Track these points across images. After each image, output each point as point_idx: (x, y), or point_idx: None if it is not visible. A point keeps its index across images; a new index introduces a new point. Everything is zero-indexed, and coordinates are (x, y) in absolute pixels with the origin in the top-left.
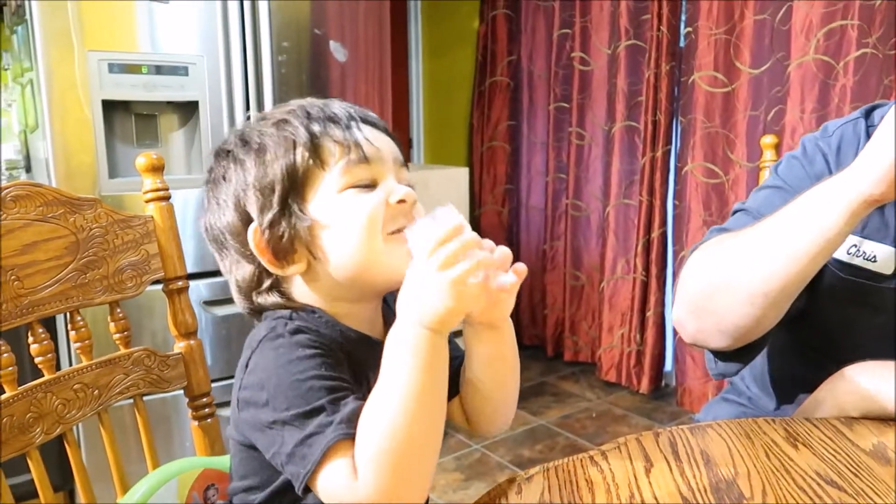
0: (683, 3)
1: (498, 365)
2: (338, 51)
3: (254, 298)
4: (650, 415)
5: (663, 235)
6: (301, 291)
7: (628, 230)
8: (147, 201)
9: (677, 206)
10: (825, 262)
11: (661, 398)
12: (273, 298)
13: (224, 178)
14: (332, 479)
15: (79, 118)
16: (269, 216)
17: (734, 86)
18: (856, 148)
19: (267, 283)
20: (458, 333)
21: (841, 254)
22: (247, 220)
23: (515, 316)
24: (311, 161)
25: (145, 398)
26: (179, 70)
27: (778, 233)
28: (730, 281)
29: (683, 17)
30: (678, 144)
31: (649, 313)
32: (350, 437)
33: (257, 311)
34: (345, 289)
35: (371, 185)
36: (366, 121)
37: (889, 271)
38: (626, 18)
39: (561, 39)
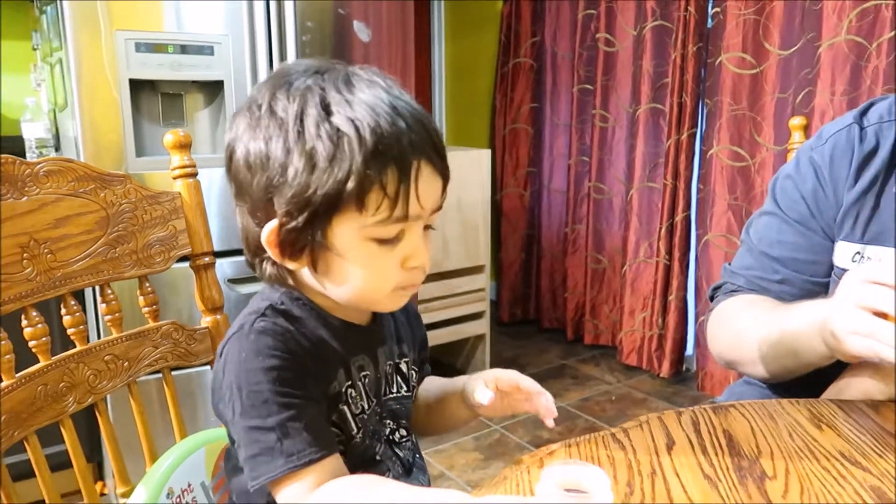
0: None
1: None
2: (361, 31)
3: (254, 261)
4: (671, 398)
5: (687, 219)
6: (297, 274)
7: (651, 213)
8: (175, 178)
9: (701, 190)
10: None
11: (682, 382)
12: (271, 269)
13: (266, 141)
14: (285, 497)
15: (107, 97)
16: (290, 225)
17: (762, 67)
18: (849, 157)
19: (264, 251)
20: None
21: (846, 262)
22: (268, 205)
23: (536, 298)
24: (353, 199)
25: (172, 373)
26: (205, 49)
27: (777, 353)
28: (745, 363)
29: None
30: (704, 127)
31: (671, 297)
32: (295, 468)
33: (254, 267)
34: (328, 293)
35: (396, 239)
36: (430, 155)
37: None
38: None
39: (586, 20)
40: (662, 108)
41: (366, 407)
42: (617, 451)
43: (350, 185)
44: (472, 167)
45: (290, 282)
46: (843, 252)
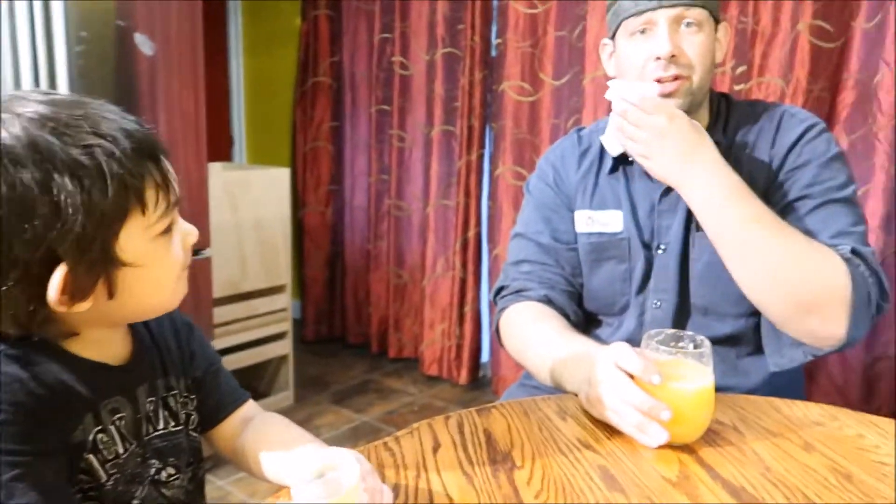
0: (494, 15)
1: None
2: (144, 44)
3: (29, 326)
4: (469, 405)
5: (478, 235)
6: (68, 318)
7: (447, 230)
8: None
9: (491, 207)
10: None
11: (479, 388)
12: (50, 328)
13: (10, 187)
14: None
15: None
16: (86, 260)
17: (539, 95)
18: (573, 152)
19: (43, 313)
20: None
21: (582, 227)
22: (49, 257)
23: (341, 314)
24: (136, 204)
25: None
26: None
27: (546, 378)
28: (528, 370)
29: (494, 29)
30: (491, 148)
31: (467, 308)
32: None
33: None
34: (117, 319)
35: (170, 228)
36: (162, 148)
37: (619, 229)
38: (443, 27)
39: (382, 43)
40: (454, 130)
41: (121, 451)
42: (387, 458)
43: (129, 191)
44: (270, 186)
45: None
46: (579, 218)
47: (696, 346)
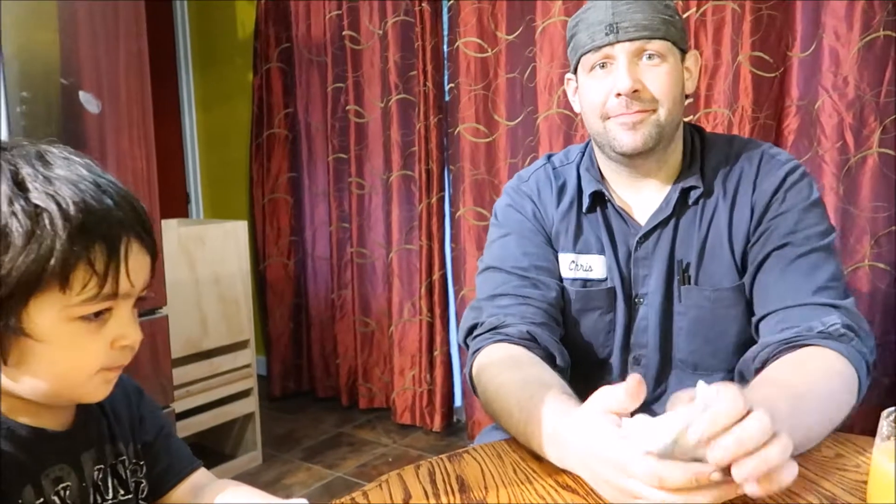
0: (445, 61)
1: None
2: (89, 102)
3: None
4: (444, 451)
5: (444, 277)
6: None
7: (412, 274)
8: None
9: (454, 249)
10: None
11: (454, 434)
12: None
13: None
14: None
15: None
16: None
17: (494, 136)
18: (549, 186)
19: None
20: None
21: (566, 272)
22: None
23: (309, 368)
24: (55, 279)
25: None
26: None
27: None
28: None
29: (446, 74)
30: (450, 191)
31: (436, 353)
32: None
33: None
34: (26, 395)
35: (102, 318)
36: (139, 232)
37: (603, 276)
38: (395, 74)
39: (335, 93)
40: (412, 174)
41: None
42: None
43: (52, 263)
44: (227, 240)
45: None
46: (563, 262)
47: None
